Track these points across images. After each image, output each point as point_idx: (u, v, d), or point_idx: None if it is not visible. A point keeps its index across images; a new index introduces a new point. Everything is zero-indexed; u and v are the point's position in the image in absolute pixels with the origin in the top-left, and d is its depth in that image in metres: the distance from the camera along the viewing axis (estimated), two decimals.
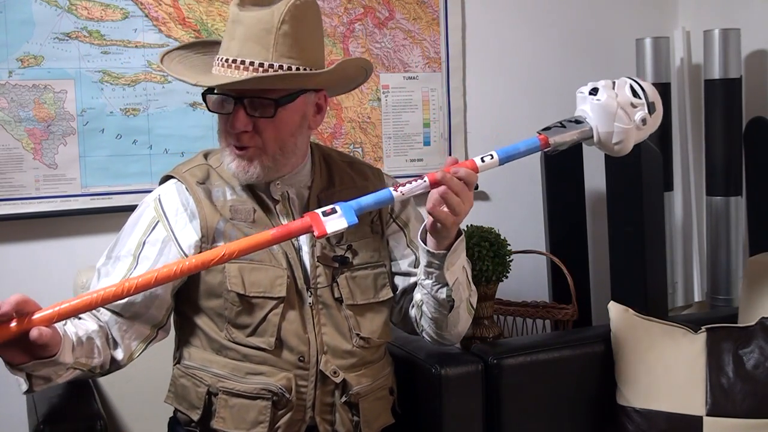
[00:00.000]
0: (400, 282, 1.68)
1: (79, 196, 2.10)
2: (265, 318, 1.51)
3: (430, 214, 1.43)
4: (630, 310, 1.98)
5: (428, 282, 1.53)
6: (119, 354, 1.49)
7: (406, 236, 1.68)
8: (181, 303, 1.57)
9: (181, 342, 1.62)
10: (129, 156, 2.14)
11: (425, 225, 1.49)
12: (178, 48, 1.58)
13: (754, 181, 2.40)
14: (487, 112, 2.55)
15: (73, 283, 1.97)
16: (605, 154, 2.27)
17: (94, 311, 1.45)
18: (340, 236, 1.57)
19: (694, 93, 2.65)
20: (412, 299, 1.65)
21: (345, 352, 1.56)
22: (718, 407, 1.84)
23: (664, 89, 2.51)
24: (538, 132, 1.43)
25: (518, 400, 1.89)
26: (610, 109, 1.42)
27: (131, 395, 1.94)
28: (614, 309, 1.99)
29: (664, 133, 2.53)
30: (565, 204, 2.47)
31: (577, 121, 1.45)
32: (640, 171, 2.17)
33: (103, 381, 1.94)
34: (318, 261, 1.55)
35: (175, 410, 1.61)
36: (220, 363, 1.52)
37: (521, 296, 2.46)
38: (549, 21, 2.63)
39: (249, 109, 1.45)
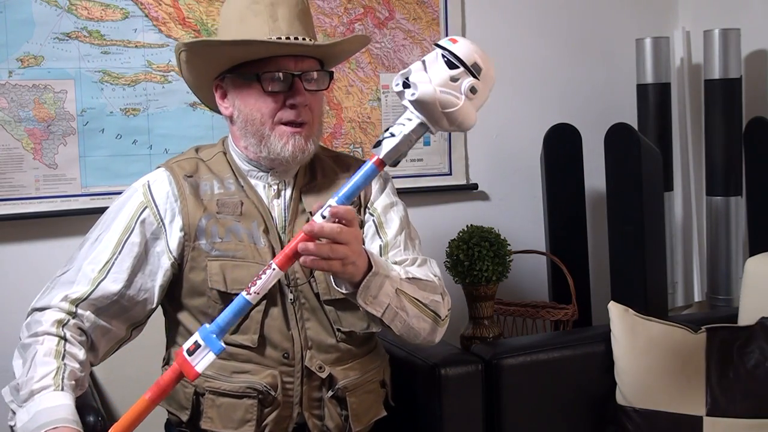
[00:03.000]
0: None
1: (79, 196, 2.10)
2: (247, 315, 1.50)
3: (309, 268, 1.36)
4: (630, 310, 1.97)
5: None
6: (96, 358, 1.49)
7: (378, 231, 1.64)
8: (167, 302, 1.58)
9: (169, 343, 1.62)
10: (129, 156, 2.14)
11: None
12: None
13: (754, 181, 2.40)
14: (486, 112, 2.53)
15: None
16: (605, 155, 2.29)
17: (77, 317, 1.44)
18: None
19: (694, 93, 2.65)
20: None
21: (330, 347, 1.55)
22: (718, 407, 1.84)
23: (664, 89, 2.52)
24: (372, 148, 1.28)
25: (518, 400, 1.89)
26: (429, 100, 1.22)
27: (131, 395, 1.93)
28: (614, 309, 1.99)
29: (664, 133, 2.53)
30: (565, 204, 2.47)
31: (405, 122, 1.26)
32: (640, 171, 2.17)
33: (103, 380, 1.94)
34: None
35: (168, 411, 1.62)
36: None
37: (521, 296, 2.46)
38: (549, 21, 2.63)
39: (305, 84, 1.50)
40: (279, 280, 1.51)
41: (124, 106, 2.13)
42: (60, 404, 1.30)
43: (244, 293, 1.25)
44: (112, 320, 1.49)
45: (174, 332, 1.59)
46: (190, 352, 1.22)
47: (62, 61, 2.05)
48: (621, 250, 2.26)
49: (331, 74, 1.56)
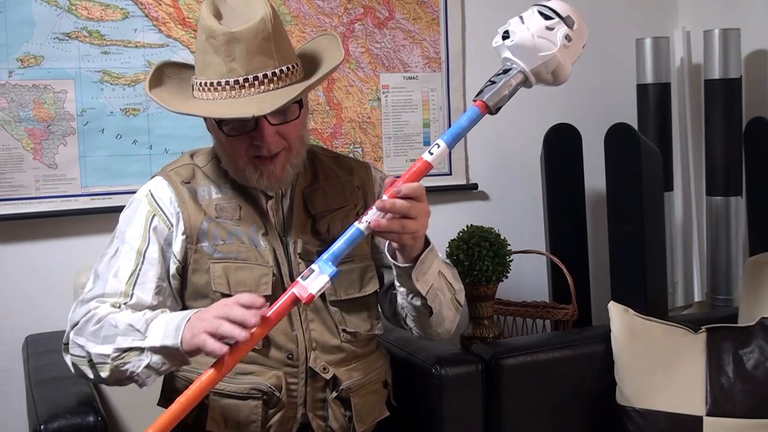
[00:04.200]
0: (387, 275, 1.67)
1: (79, 196, 2.10)
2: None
3: (383, 238, 1.40)
4: (630, 310, 1.97)
5: (403, 290, 1.53)
6: None
7: None
8: None
9: None
10: (129, 156, 2.14)
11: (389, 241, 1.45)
12: (154, 76, 1.53)
13: (754, 181, 2.40)
14: None
15: (73, 283, 1.96)
16: (605, 154, 2.29)
17: (119, 309, 1.45)
18: (323, 229, 1.57)
19: (694, 93, 2.65)
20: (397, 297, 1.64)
21: (334, 348, 1.55)
22: (718, 407, 1.84)
23: (664, 89, 2.52)
24: (473, 99, 1.36)
25: (518, 400, 1.89)
26: (527, 44, 1.33)
27: (131, 395, 1.93)
28: (614, 309, 1.99)
29: (664, 133, 2.53)
30: (565, 204, 2.47)
31: (505, 71, 1.36)
32: (640, 171, 2.17)
33: None
34: (300, 257, 1.53)
35: None
36: (210, 364, 1.51)
37: (521, 296, 2.46)
38: None
39: (271, 118, 1.43)
40: (282, 282, 1.52)
41: (124, 106, 2.13)
42: (180, 311, 1.37)
43: (356, 223, 1.30)
44: None
45: None
46: (305, 277, 1.26)
47: (62, 61, 2.05)
48: (621, 250, 2.26)
49: (301, 103, 1.49)
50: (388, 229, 1.32)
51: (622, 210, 2.24)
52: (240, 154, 1.48)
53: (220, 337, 1.24)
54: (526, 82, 1.37)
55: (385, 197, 1.31)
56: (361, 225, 1.30)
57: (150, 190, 1.56)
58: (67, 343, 1.46)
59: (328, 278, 1.25)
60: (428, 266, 1.47)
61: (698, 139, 2.65)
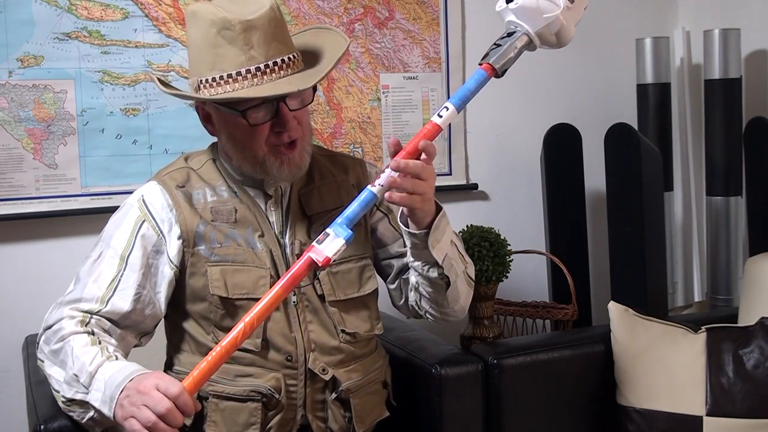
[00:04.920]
0: (396, 263, 1.68)
1: (79, 196, 2.10)
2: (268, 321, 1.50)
3: (393, 203, 1.40)
4: (630, 310, 1.97)
5: (418, 263, 1.53)
6: None
7: (391, 221, 1.68)
8: (169, 309, 1.56)
9: (171, 348, 1.61)
10: (129, 156, 2.14)
11: (402, 209, 1.46)
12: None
13: (754, 181, 2.40)
14: (486, 112, 2.55)
15: None
16: (605, 154, 2.29)
17: (95, 327, 1.44)
18: (319, 231, 1.56)
19: (694, 93, 2.65)
20: (409, 281, 1.65)
21: (333, 349, 1.55)
22: (718, 407, 1.84)
23: (664, 89, 2.52)
24: (479, 63, 1.38)
25: (518, 400, 1.89)
26: (531, 5, 1.36)
27: None
28: (614, 309, 1.99)
29: (664, 133, 2.53)
30: (565, 204, 2.47)
31: (509, 34, 1.39)
32: (640, 171, 2.17)
33: None
34: (297, 258, 1.52)
35: None
36: None
37: (521, 296, 2.46)
38: None
39: (290, 103, 1.46)
40: None
41: (124, 106, 2.13)
42: (125, 365, 1.33)
43: (369, 186, 1.33)
44: (123, 331, 1.48)
45: (177, 338, 1.58)
46: (320, 242, 1.29)
47: (62, 61, 2.05)
48: (621, 250, 2.26)
49: (314, 87, 1.50)
50: (401, 186, 1.34)
51: (622, 210, 2.24)
52: (261, 144, 1.48)
53: None
54: (530, 45, 1.39)
55: (397, 158, 1.33)
56: (374, 188, 1.32)
57: (142, 195, 1.55)
58: (39, 343, 1.47)
59: (343, 241, 1.27)
60: (442, 233, 1.48)
61: (698, 139, 2.65)
